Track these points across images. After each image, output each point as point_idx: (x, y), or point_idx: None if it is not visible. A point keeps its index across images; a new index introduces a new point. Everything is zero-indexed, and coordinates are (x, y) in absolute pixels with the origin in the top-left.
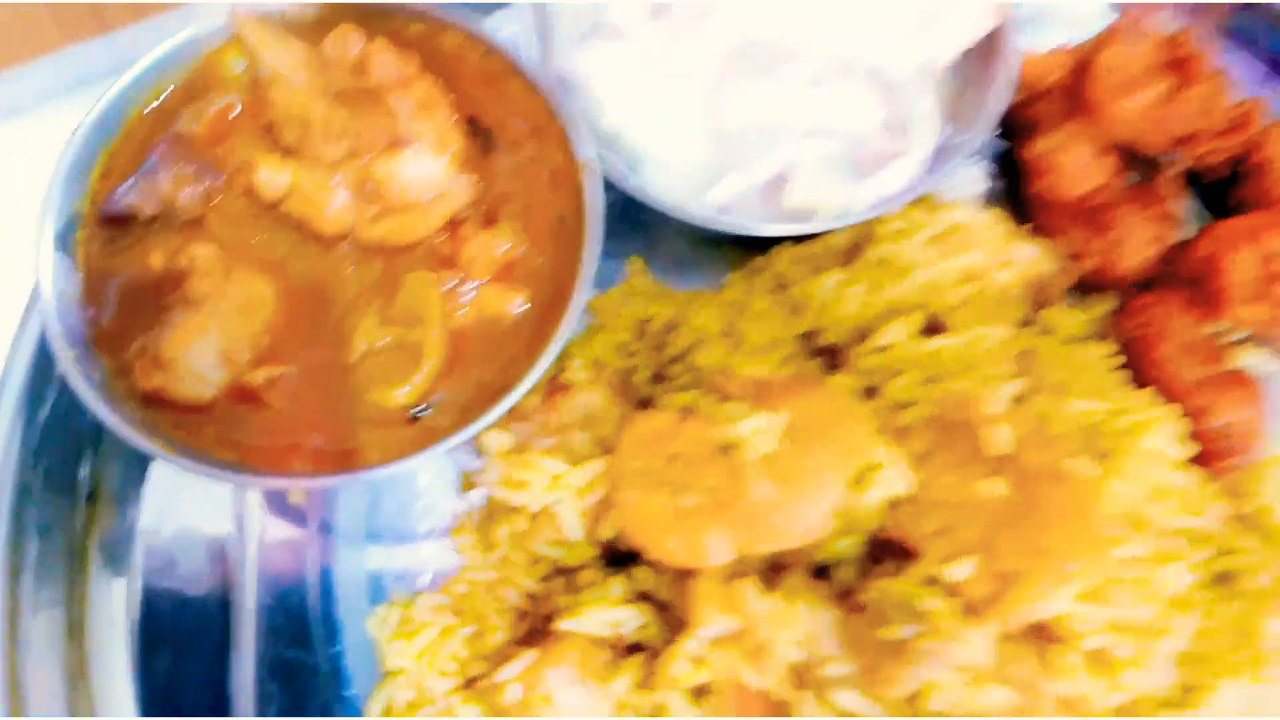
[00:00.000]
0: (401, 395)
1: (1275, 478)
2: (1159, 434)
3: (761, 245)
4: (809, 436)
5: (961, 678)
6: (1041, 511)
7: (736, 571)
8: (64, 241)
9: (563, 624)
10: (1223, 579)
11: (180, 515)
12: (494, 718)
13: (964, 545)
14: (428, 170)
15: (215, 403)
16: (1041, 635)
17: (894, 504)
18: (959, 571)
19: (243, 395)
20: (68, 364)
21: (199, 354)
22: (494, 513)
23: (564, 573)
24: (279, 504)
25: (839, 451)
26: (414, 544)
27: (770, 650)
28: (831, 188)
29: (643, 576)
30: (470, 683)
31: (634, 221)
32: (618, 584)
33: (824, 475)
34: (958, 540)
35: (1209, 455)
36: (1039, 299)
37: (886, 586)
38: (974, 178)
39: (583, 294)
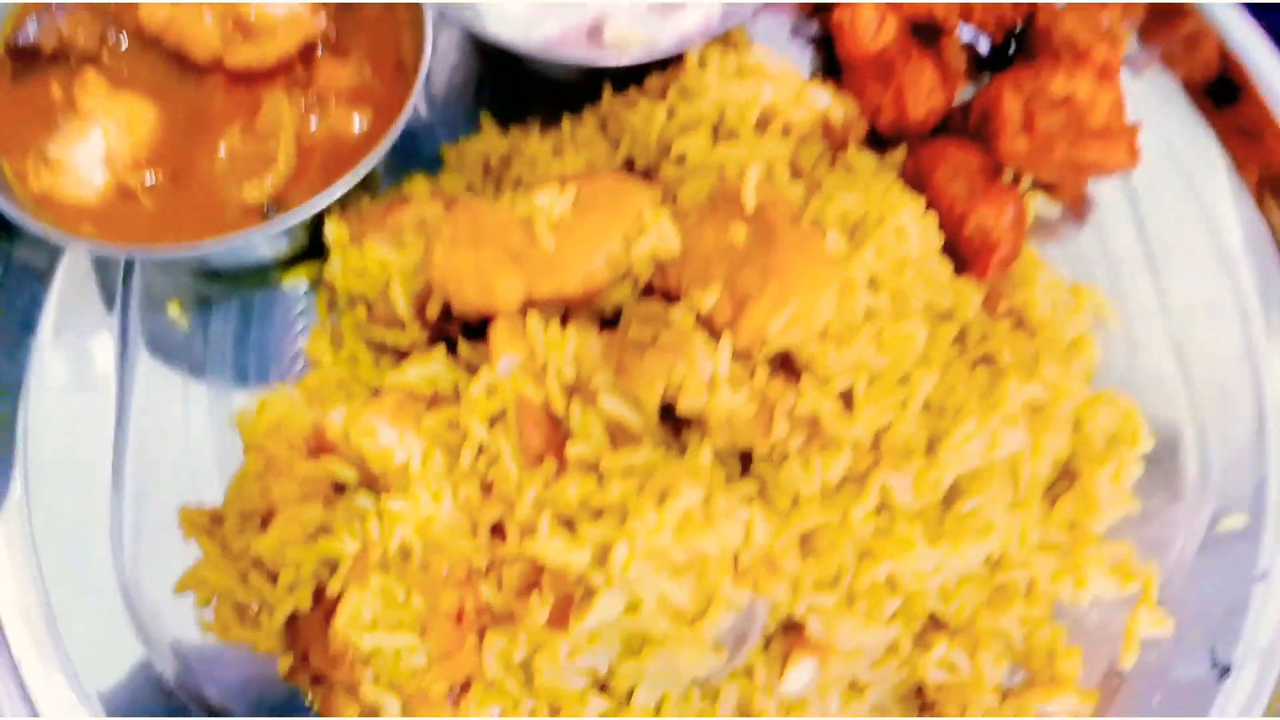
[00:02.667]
0: (254, 191)
1: (1041, 283)
2: (904, 214)
3: (598, 93)
4: (591, 204)
5: (703, 383)
6: (774, 246)
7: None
8: None
9: (390, 378)
10: (980, 362)
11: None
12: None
13: (713, 281)
14: (286, 1)
15: (97, 204)
16: (788, 369)
17: (663, 262)
18: (705, 300)
19: (121, 194)
20: None
21: (83, 156)
22: (342, 311)
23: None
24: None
25: (615, 214)
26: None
27: (548, 370)
28: (641, 27)
29: (463, 349)
30: (312, 450)
31: (493, 89)
32: (438, 352)
33: (600, 230)
34: (709, 278)
35: (971, 258)
36: (836, 143)
37: (641, 308)
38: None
39: (411, 105)
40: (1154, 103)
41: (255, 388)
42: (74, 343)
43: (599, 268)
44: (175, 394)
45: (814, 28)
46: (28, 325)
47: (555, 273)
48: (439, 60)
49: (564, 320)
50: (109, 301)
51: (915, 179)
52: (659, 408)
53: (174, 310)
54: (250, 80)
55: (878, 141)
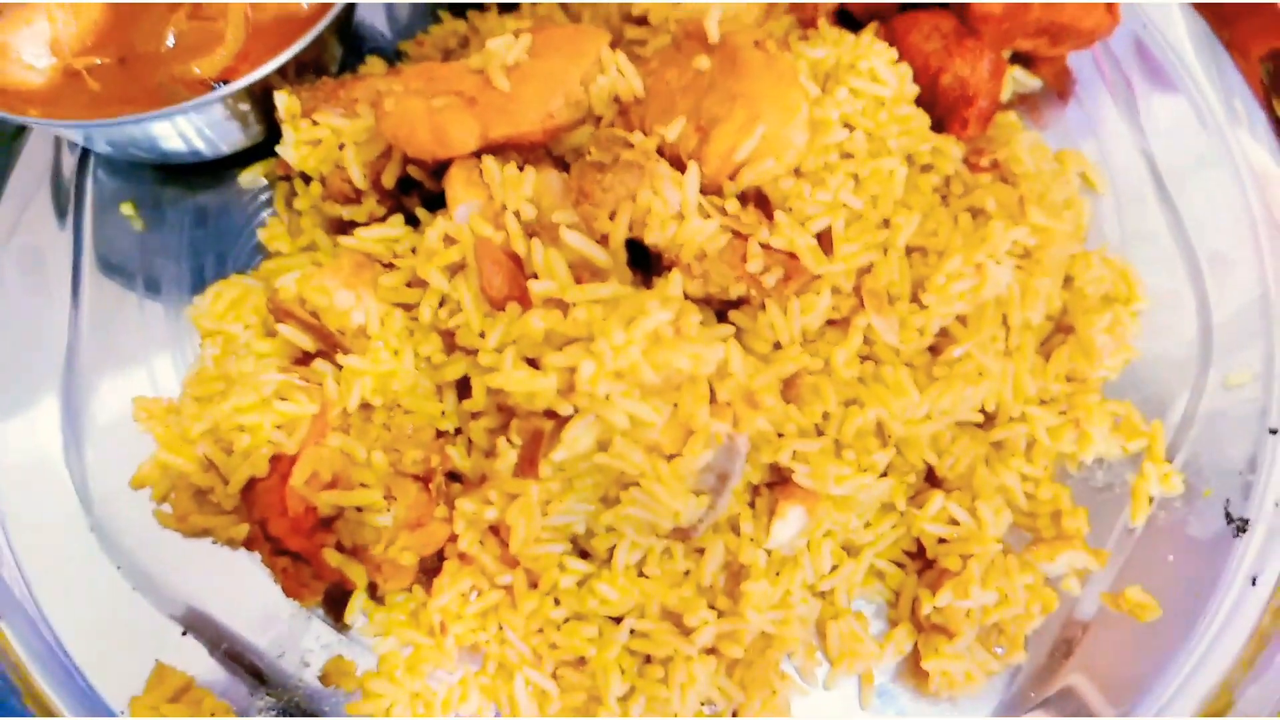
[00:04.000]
0: (204, 68)
1: (1018, 139)
2: (875, 60)
3: None
4: (547, 49)
5: (671, 213)
6: (739, 71)
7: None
8: None
9: (341, 240)
10: (966, 213)
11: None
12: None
13: (679, 114)
14: None
15: (44, 88)
16: (764, 206)
17: (625, 105)
18: (670, 132)
19: (68, 77)
20: None
21: (28, 41)
22: (296, 197)
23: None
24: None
25: (572, 57)
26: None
27: (507, 210)
28: None
29: (420, 214)
30: (269, 333)
31: None
32: (394, 219)
33: (558, 72)
34: (674, 111)
35: (949, 113)
36: (807, 19)
37: (599, 134)
38: None
39: None
40: None
41: (210, 285)
42: (26, 246)
43: (558, 108)
44: (131, 297)
45: None
46: None
47: (512, 114)
48: None
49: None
50: (61, 206)
51: (889, 46)
52: (625, 244)
53: (128, 209)
54: None
55: (850, 24)
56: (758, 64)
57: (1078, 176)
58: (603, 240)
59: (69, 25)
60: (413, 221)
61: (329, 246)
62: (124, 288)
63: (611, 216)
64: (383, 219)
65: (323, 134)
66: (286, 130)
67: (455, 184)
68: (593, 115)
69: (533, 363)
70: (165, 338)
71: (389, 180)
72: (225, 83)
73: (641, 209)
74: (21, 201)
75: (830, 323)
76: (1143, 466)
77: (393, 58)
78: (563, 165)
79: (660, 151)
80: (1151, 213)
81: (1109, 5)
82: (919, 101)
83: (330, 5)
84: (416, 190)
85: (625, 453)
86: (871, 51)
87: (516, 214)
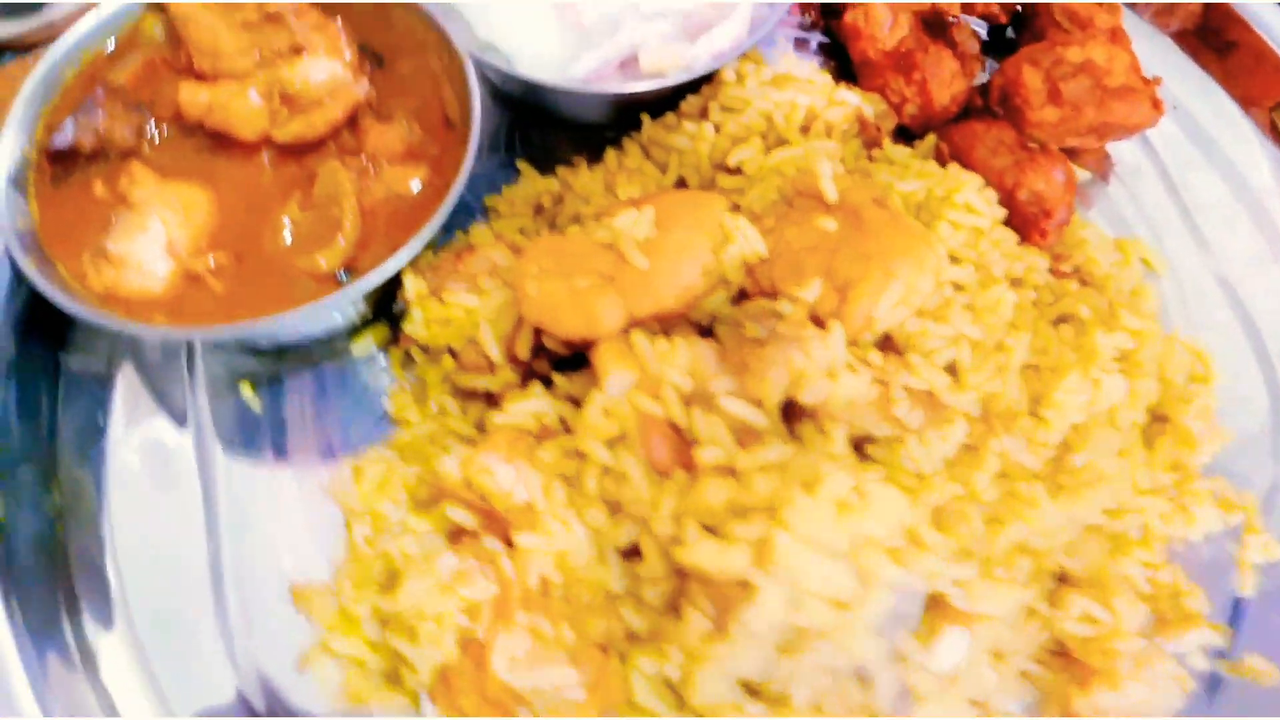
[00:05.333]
0: (325, 260)
1: (1095, 241)
2: (968, 191)
3: (628, 129)
4: (672, 221)
5: (819, 369)
6: (866, 231)
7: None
8: (16, 182)
9: (494, 418)
10: (1058, 321)
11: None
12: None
13: (809, 273)
14: (327, 70)
15: (165, 294)
16: (893, 349)
17: (750, 265)
18: (808, 294)
19: (188, 281)
20: (28, 270)
21: (144, 248)
22: (423, 367)
23: (493, 406)
24: (235, 436)
25: (697, 226)
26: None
27: (663, 383)
28: (675, 51)
29: (559, 381)
30: (421, 505)
31: (525, 142)
32: (535, 388)
33: (688, 243)
34: (804, 272)
35: (1028, 224)
36: (868, 141)
37: (748, 306)
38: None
39: (471, 157)
40: (1151, 60)
41: (341, 457)
42: (147, 440)
43: (694, 280)
44: (261, 476)
45: (817, 34)
46: (95, 430)
47: (653, 290)
48: None
49: (663, 334)
50: (176, 395)
51: (953, 161)
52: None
53: (246, 391)
54: (299, 152)
55: (904, 135)
56: (883, 223)
57: (1139, 262)
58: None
59: (183, 227)
60: (541, 379)
61: (458, 411)
62: (252, 467)
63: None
64: (520, 385)
65: (454, 312)
66: (415, 310)
67: (606, 360)
68: (725, 280)
69: (710, 528)
70: (300, 511)
71: (524, 352)
72: (349, 270)
73: (796, 373)
74: (134, 396)
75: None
76: (1243, 538)
77: (472, 212)
78: (701, 330)
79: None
80: (1208, 288)
81: (1155, 101)
82: None
83: (443, 186)
84: (544, 353)
85: (814, 610)
86: (963, 183)
87: (673, 387)
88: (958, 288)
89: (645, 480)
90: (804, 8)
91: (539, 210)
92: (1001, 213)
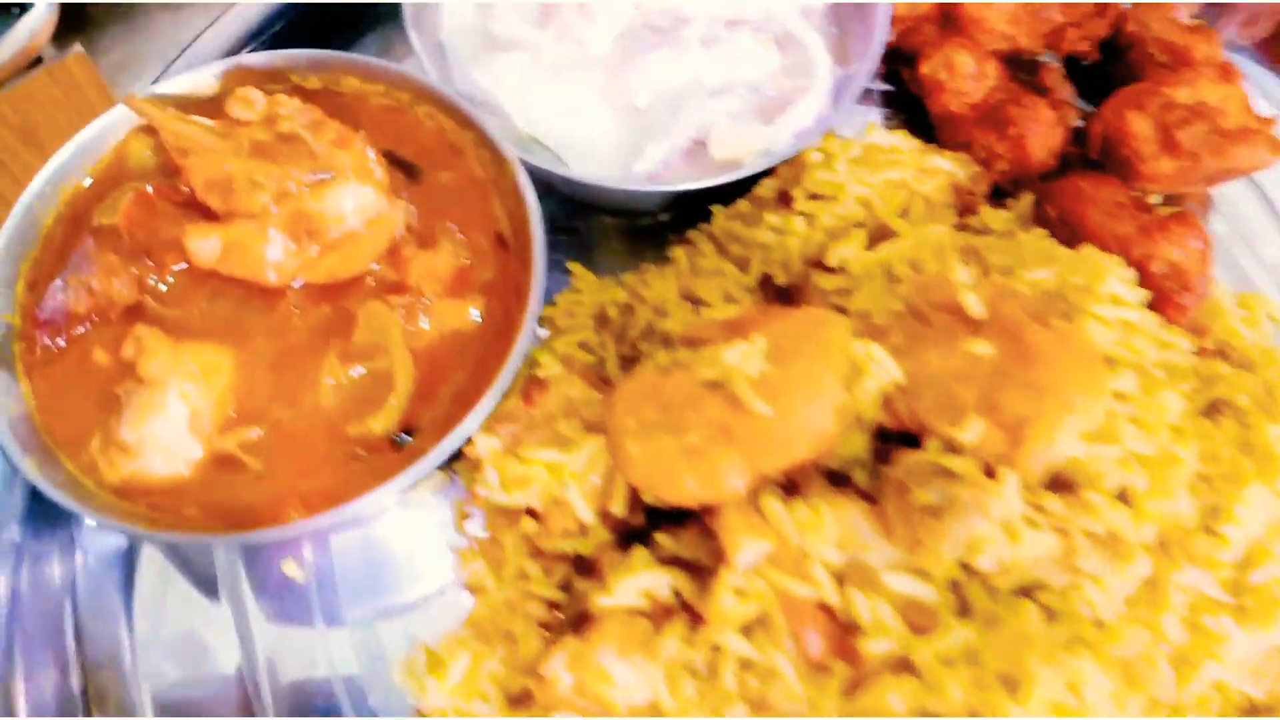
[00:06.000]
0: (379, 424)
1: (1231, 308)
2: (1112, 280)
3: (693, 220)
4: (791, 352)
5: (1001, 531)
6: (1033, 356)
7: (754, 496)
8: (1, 357)
9: (599, 601)
10: (1210, 410)
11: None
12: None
13: (967, 409)
14: (360, 198)
15: (193, 478)
16: (1062, 485)
17: (887, 396)
18: (970, 434)
19: (220, 463)
20: (29, 473)
21: (165, 431)
22: (497, 528)
23: (582, 569)
24: (278, 606)
25: (824, 357)
26: (423, 609)
27: (809, 558)
28: (750, 134)
29: (662, 541)
30: (515, 700)
31: (565, 231)
32: (640, 555)
33: (817, 380)
34: (959, 407)
35: (1164, 299)
36: (963, 205)
37: (908, 462)
38: (871, 120)
39: (539, 289)
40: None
41: (400, 617)
42: (180, 619)
43: (826, 424)
44: (313, 645)
45: (879, 82)
46: (122, 609)
47: (780, 442)
48: None
49: (789, 488)
50: (208, 566)
51: (1063, 225)
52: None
53: (289, 568)
54: (332, 292)
55: (994, 192)
56: (1051, 347)
57: (1266, 319)
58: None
59: (206, 397)
60: (638, 538)
61: (540, 576)
62: (302, 638)
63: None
64: (615, 546)
65: (534, 471)
66: (489, 470)
67: (734, 529)
68: (859, 418)
69: None
70: (358, 669)
71: (620, 509)
72: (409, 430)
73: (974, 538)
74: (162, 571)
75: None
76: None
77: None
78: (833, 476)
79: (953, 448)
80: None
81: (1274, 143)
82: None
83: (505, 315)
84: (642, 506)
85: None
86: (1104, 269)
87: (823, 563)
88: (1119, 397)
89: (799, 678)
90: None
91: (603, 322)
92: (1146, 295)
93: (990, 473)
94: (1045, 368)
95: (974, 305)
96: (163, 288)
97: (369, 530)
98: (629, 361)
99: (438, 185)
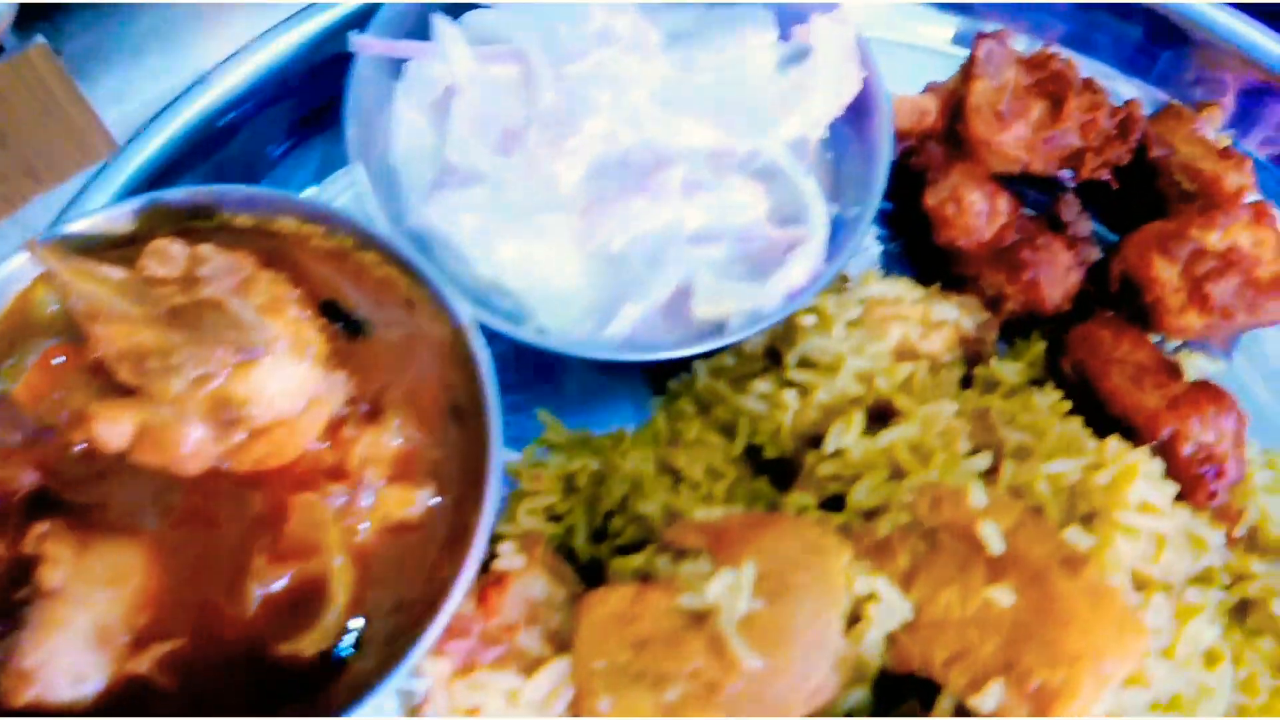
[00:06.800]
0: (313, 643)
1: (1258, 477)
2: (1141, 481)
3: (676, 364)
4: (784, 585)
5: None
6: (1060, 613)
7: None
8: None
9: None
10: (1240, 609)
11: None
12: None
13: (985, 666)
14: (290, 377)
15: (102, 701)
16: None
17: (893, 635)
18: (988, 701)
19: (132, 686)
20: None
21: (68, 651)
22: None
23: None
24: None
25: (822, 595)
26: None
27: None
28: (736, 292)
29: None
30: None
31: (536, 366)
32: None
33: (815, 627)
34: (977, 662)
35: (1193, 485)
36: (971, 355)
37: None
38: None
39: (496, 475)
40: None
41: None
42: None
43: (825, 678)
44: None
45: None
46: None
47: (774, 702)
48: None
49: None
50: None
51: (1078, 380)
52: None
53: None
54: (261, 482)
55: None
56: (1082, 604)
57: None
58: None
59: (115, 606)
60: None
61: None
62: None
63: None
64: None
65: (491, 697)
66: (440, 696)
67: None
68: (860, 671)
69: None
70: None
71: None
72: (346, 653)
73: None
74: None
75: None
76: None
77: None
78: None
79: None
80: None
81: None
82: None
83: (458, 507)
84: None
85: None
86: (1133, 469)
87: None
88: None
89: None
90: None
91: (570, 488)
92: (1174, 490)
93: None
94: (1076, 630)
95: (994, 542)
96: (70, 470)
97: None
98: (599, 538)
99: (386, 344)
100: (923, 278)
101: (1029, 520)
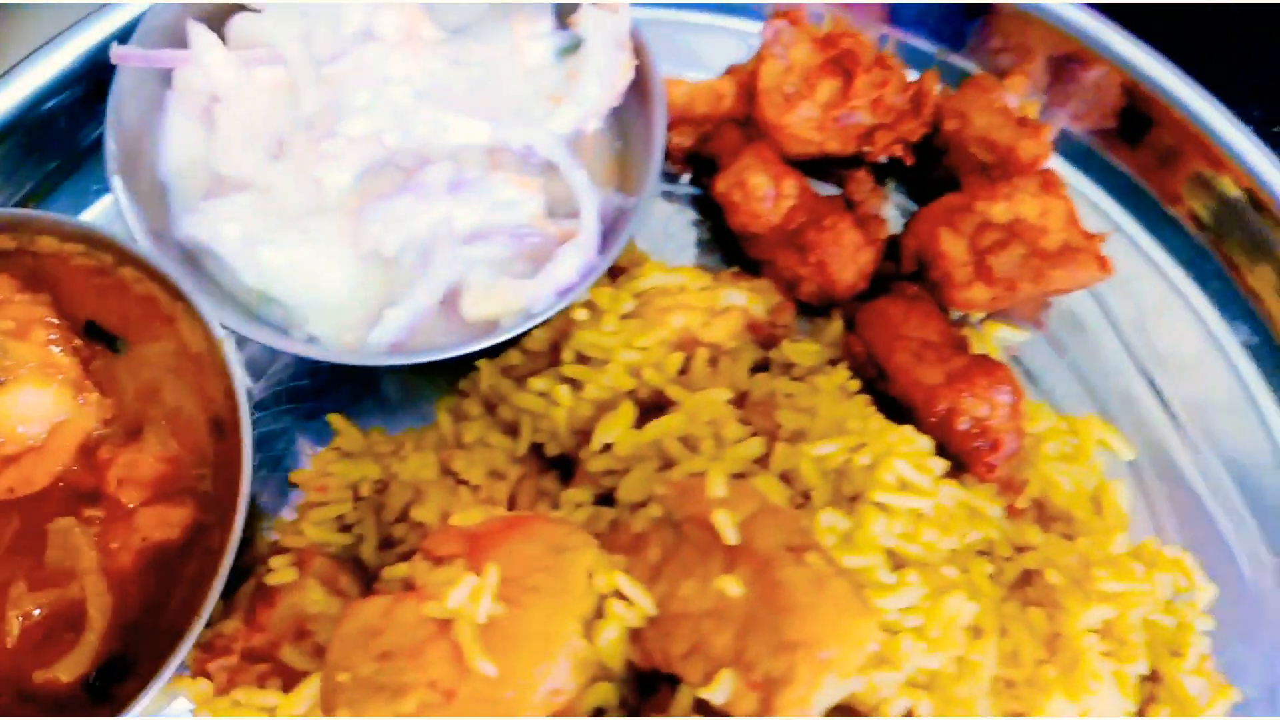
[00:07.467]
0: (67, 671)
1: (1043, 451)
2: (900, 461)
3: (463, 364)
4: (525, 589)
5: None
6: (784, 601)
7: None
8: None
9: None
10: (1021, 581)
11: None
12: None
13: (718, 658)
14: (37, 405)
15: None
16: (847, 715)
17: (638, 632)
18: (719, 694)
19: None
20: None
21: None
22: None
23: None
24: None
25: (560, 598)
26: None
27: None
28: (506, 290)
29: None
30: None
31: (354, 369)
32: None
33: (550, 631)
34: (710, 654)
35: (971, 458)
36: (765, 339)
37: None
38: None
39: (247, 492)
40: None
41: None
42: None
43: (563, 681)
44: None
45: (686, 179)
46: None
47: (510, 708)
48: None
49: None
50: None
51: (868, 359)
52: None
53: None
54: (18, 508)
55: (803, 308)
56: (805, 592)
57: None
58: None
59: None
60: None
61: None
62: None
63: None
64: None
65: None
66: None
67: None
68: (605, 668)
69: None
70: None
71: None
72: (107, 673)
73: None
74: None
75: None
76: None
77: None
78: None
79: (705, 710)
80: (1174, 445)
81: (1100, 260)
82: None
83: (219, 523)
84: None
85: None
86: (894, 448)
87: None
88: (903, 610)
89: None
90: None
91: (358, 498)
92: (943, 467)
93: None
94: (798, 618)
95: (729, 532)
96: None
97: None
98: (387, 545)
99: (146, 360)
100: (729, 262)
101: (767, 509)
